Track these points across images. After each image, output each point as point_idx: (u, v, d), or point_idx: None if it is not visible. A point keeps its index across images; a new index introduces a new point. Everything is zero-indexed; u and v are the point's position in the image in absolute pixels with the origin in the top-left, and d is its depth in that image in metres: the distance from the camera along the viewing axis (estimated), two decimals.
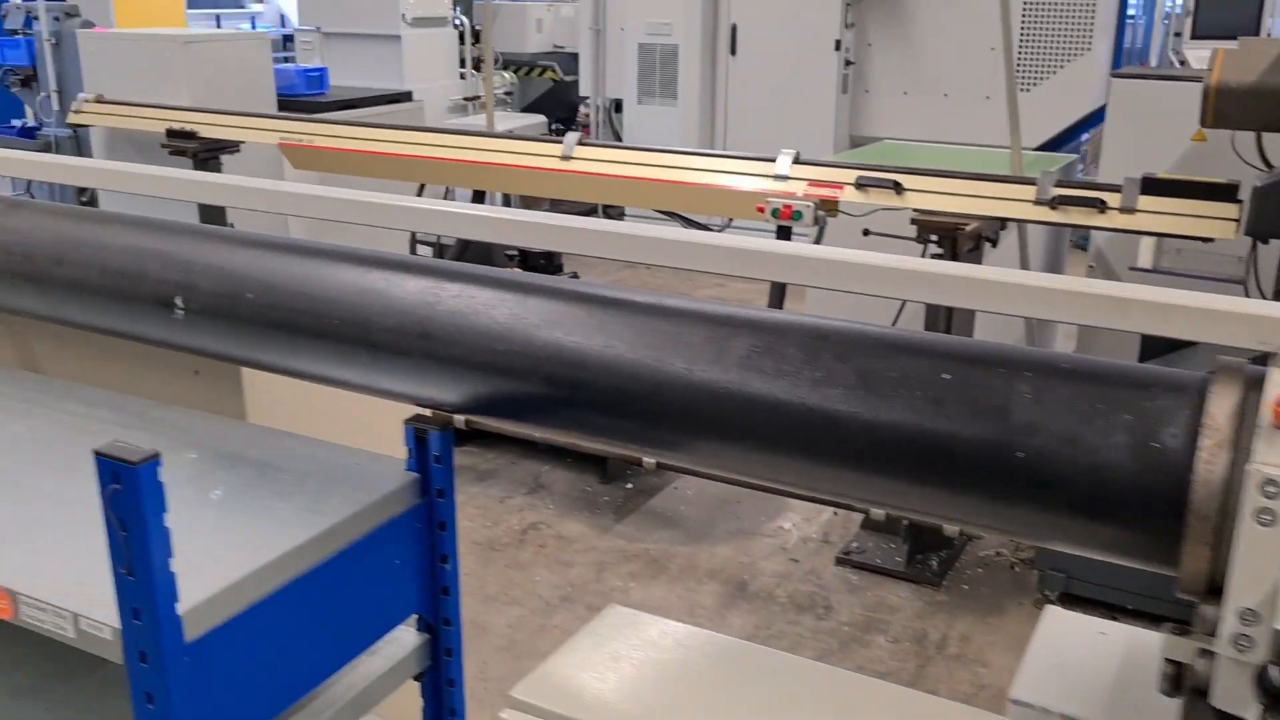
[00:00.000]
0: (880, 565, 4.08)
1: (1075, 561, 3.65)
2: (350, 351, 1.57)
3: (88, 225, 1.85)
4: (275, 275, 1.61)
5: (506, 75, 9.44)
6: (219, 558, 1.32)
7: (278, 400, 2.09)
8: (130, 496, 1.14)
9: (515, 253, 5.03)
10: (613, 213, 7.57)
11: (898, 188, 3.86)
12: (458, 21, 8.87)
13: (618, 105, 8.81)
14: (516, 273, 1.57)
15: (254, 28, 14.59)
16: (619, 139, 8.92)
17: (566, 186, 4.46)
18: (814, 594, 3.97)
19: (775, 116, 7.91)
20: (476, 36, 9.14)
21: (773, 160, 4.09)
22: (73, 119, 5.67)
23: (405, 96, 6.68)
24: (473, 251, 4.96)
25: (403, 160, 4.78)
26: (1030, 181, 3.69)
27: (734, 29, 8.00)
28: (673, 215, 4.98)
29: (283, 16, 15.52)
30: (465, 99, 8.81)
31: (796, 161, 4.05)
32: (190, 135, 5.26)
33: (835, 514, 4.55)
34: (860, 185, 3.92)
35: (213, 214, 4.54)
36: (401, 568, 1.57)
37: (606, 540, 4.34)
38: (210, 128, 5.27)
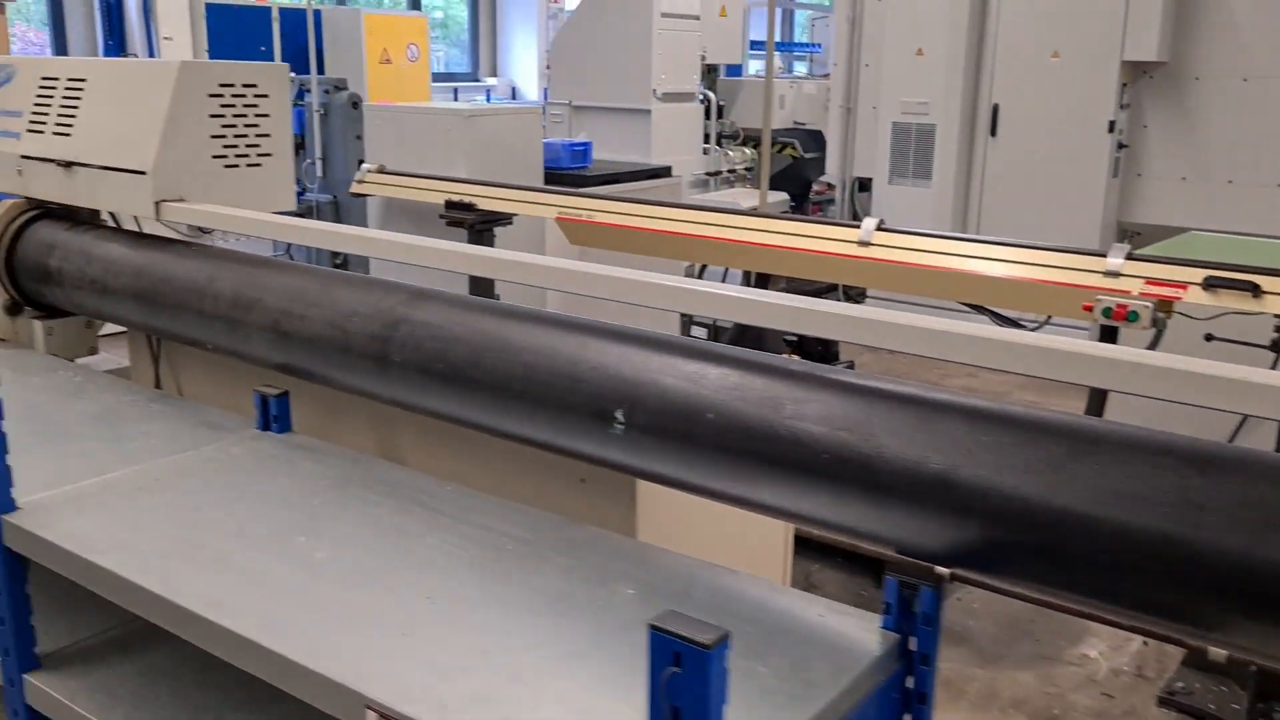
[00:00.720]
0: (1215, 713, 3.61)
1: None
2: (823, 483, 1.37)
3: (506, 323, 1.72)
4: (742, 398, 1.43)
5: (747, 151, 9.35)
6: None
7: (670, 515, 1.92)
8: (694, 682, 0.95)
9: (794, 338, 4.83)
10: (852, 293, 7.32)
11: (1255, 290, 3.45)
12: (703, 96, 8.85)
13: (861, 184, 8.59)
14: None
15: (488, 100, 15.15)
16: (856, 217, 8.69)
17: (864, 274, 4.23)
18: None
19: (1037, 200, 7.51)
20: (721, 111, 9.12)
21: (1100, 254, 3.75)
22: (356, 189, 5.83)
23: (665, 171, 6.64)
24: (747, 337, 4.78)
25: (685, 240, 4.66)
26: None
27: (995, 109, 7.66)
28: (979, 309, 4.68)
29: (514, 89, 16.07)
30: (708, 174, 8.76)
31: (1129, 257, 3.70)
32: (469, 207, 5.31)
33: (1145, 644, 4.09)
34: (1209, 286, 3.53)
35: (483, 286, 4.54)
36: None
37: None
38: (488, 200, 5.31)
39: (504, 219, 5.44)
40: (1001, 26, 7.54)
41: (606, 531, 1.67)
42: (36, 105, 2.57)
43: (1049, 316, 4.85)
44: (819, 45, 16.40)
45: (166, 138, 2.28)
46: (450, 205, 5.38)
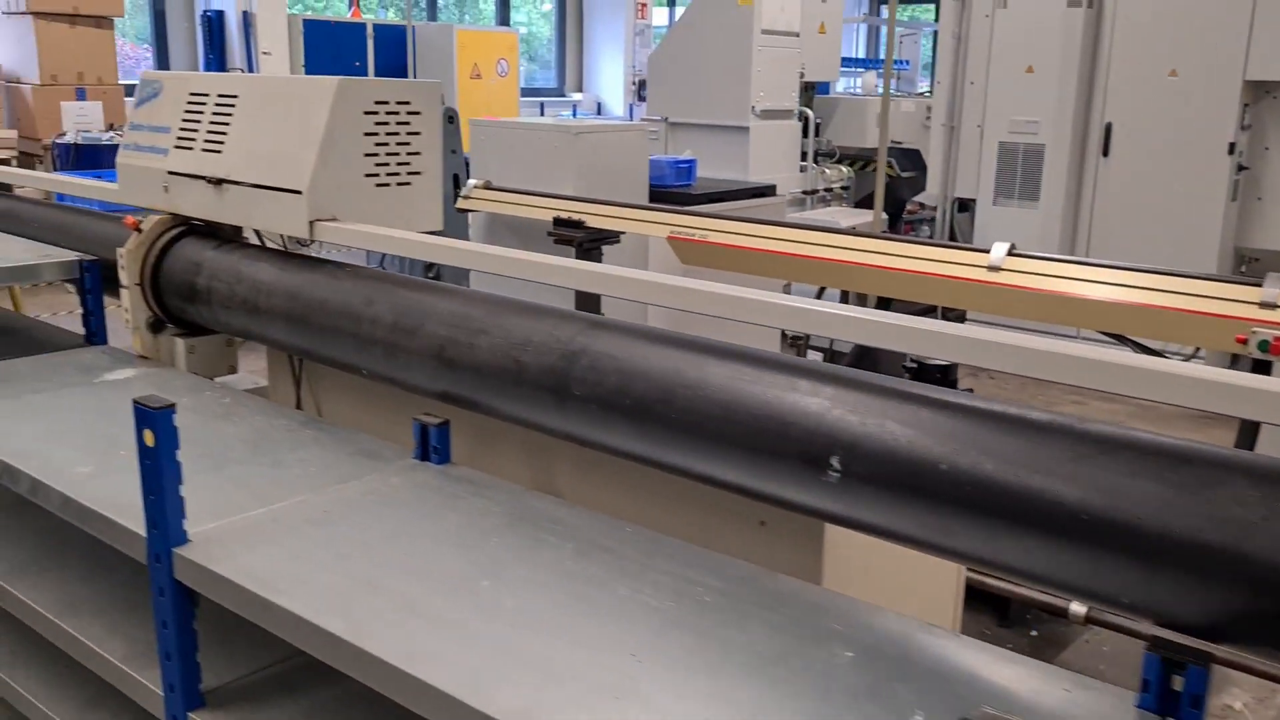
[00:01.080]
0: None
1: None
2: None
3: (700, 358, 1.62)
4: (984, 451, 1.31)
5: (844, 169, 9.20)
6: None
7: (853, 560, 1.80)
8: None
9: (914, 364, 4.67)
10: (951, 315, 7.12)
11: None
12: (800, 114, 8.73)
13: (961, 205, 8.40)
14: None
15: (574, 115, 15.17)
16: (953, 238, 8.49)
17: (993, 300, 4.07)
18: None
19: (1149, 223, 7.26)
20: (818, 129, 8.98)
21: (1255, 284, 3.55)
22: (462, 204, 5.81)
23: (769, 190, 6.52)
24: (867, 360, 4.65)
25: (803, 261, 4.54)
26: None
27: (1108, 128, 7.43)
28: (1120, 339, 4.49)
29: (599, 104, 16.08)
30: (805, 192, 8.63)
31: None
32: (578, 225, 5.25)
33: None
34: None
35: (588, 301, 4.46)
36: None
37: None
38: (597, 218, 5.24)
39: (612, 237, 5.38)
40: (1116, 43, 7.31)
41: (803, 582, 1.56)
42: (185, 121, 2.54)
43: (1198, 349, 4.64)
44: (906, 62, 16.17)
45: (323, 156, 2.22)
46: (559, 223, 5.32)
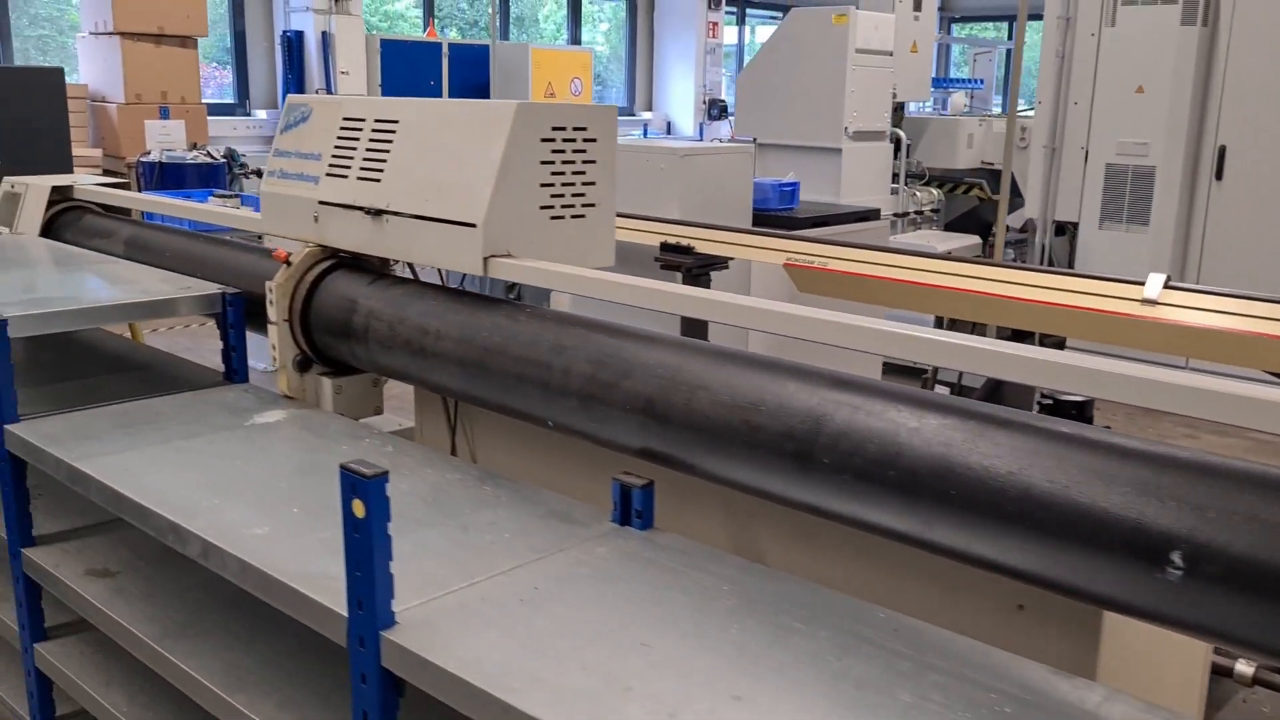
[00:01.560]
0: None
1: None
2: None
3: (985, 429, 1.42)
4: None
5: (934, 192, 8.96)
6: None
7: (1130, 650, 1.58)
8: None
9: (1049, 401, 4.42)
10: (1049, 342, 6.84)
11: None
12: (892, 135, 8.50)
13: (1059, 228, 8.12)
14: None
15: (645, 135, 15.05)
16: (1050, 263, 8.20)
17: (1149, 337, 3.82)
18: None
19: (1266, 250, 6.94)
20: (908, 151, 8.75)
21: None
22: None
23: (873, 214, 6.30)
24: (996, 396, 4.41)
25: (933, 291, 4.31)
26: None
27: (1221, 150, 7.12)
28: None
29: (669, 124, 15.95)
30: (895, 215, 8.39)
31: None
32: (686, 250, 5.07)
33: None
34: None
35: (695, 327, 4.26)
36: None
37: None
38: (707, 243, 5.05)
39: (720, 263, 5.19)
40: (1231, 62, 7.01)
41: (1115, 689, 1.34)
42: (338, 148, 2.39)
43: None
44: (980, 81, 15.87)
45: (500, 187, 2.05)
46: (666, 248, 5.14)
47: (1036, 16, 20.43)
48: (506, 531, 1.76)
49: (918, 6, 8.67)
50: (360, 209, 2.29)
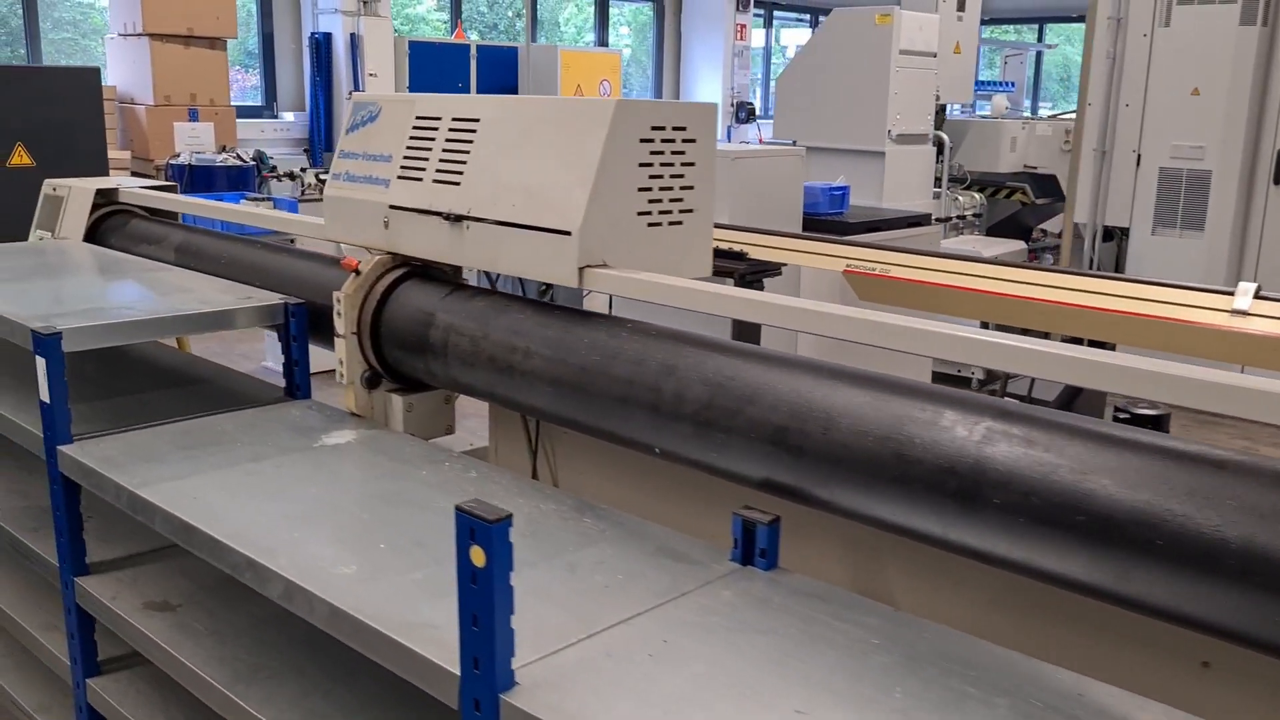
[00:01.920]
0: None
1: None
2: None
3: (1172, 466, 1.25)
4: None
5: (976, 196, 8.76)
6: None
7: None
8: None
9: (1125, 414, 4.23)
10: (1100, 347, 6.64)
11: None
12: (935, 138, 8.31)
13: (1105, 234, 7.91)
14: None
15: None
16: (1095, 269, 8.00)
17: (1238, 349, 3.62)
18: None
19: None
20: (950, 153, 8.55)
21: None
22: None
23: (924, 219, 6.13)
24: (1076, 404, 4.22)
25: (1005, 301, 4.13)
26: None
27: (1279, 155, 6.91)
28: None
29: None
30: (937, 219, 8.19)
31: None
32: (739, 256, 4.90)
33: None
34: None
35: (747, 331, 4.09)
36: None
37: None
38: (761, 249, 4.88)
39: (773, 269, 5.02)
40: None
41: None
42: (411, 148, 2.23)
43: None
44: (1011, 84, 15.65)
45: (597, 191, 1.89)
46: (719, 254, 4.97)
47: (1064, 19, 20.15)
48: (618, 572, 1.60)
49: (961, 6, 8.47)
50: (438, 214, 2.13)
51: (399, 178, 2.24)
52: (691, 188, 2.04)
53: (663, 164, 1.99)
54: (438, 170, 2.16)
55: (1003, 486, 1.33)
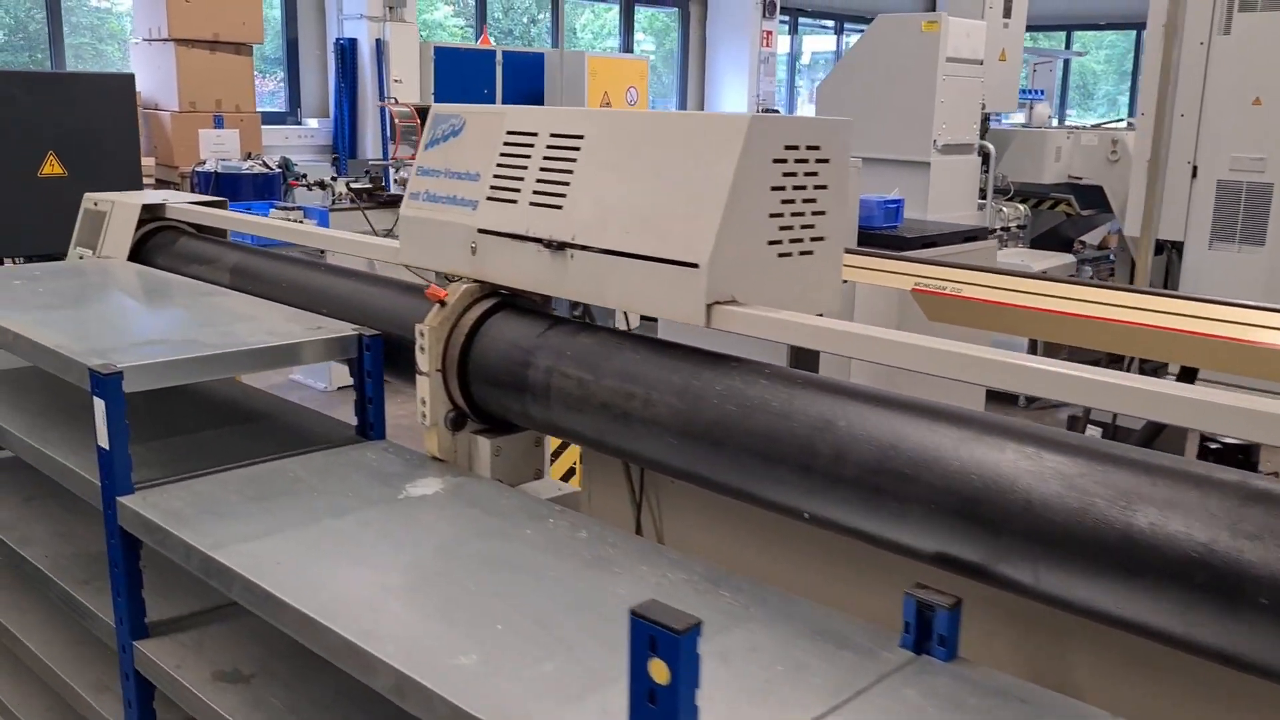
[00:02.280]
0: None
1: None
2: None
3: None
4: None
5: (1020, 207, 8.53)
6: None
7: None
8: None
9: (1216, 445, 4.00)
10: (1147, 368, 6.42)
11: None
12: (980, 148, 8.09)
13: (1157, 247, 7.68)
14: None
15: None
16: (1131, 283, 7.77)
17: None
18: None
19: None
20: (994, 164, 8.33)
21: None
22: None
23: (981, 233, 5.91)
24: (1160, 439, 3.99)
25: (1089, 323, 3.90)
26: None
27: None
28: None
29: None
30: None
31: None
32: None
33: None
34: None
35: (805, 358, 3.88)
36: None
37: None
38: None
39: None
40: None
41: None
42: (503, 166, 2.03)
43: None
44: (1040, 92, 15.40)
45: (728, 219, 1.68)
46: None
47: (1096, 26, 19.92)
48: (777, 662, 1.38)
49: (1007, 12, 8.26)
50: (537, 241, 1.92)
51: (489, 199, 2.04)
52: (824, 213, 1.83)
53: (795, 187, 1.78)
54: (535, 192, 1.96)
55: (1272, 586, 1.12)
